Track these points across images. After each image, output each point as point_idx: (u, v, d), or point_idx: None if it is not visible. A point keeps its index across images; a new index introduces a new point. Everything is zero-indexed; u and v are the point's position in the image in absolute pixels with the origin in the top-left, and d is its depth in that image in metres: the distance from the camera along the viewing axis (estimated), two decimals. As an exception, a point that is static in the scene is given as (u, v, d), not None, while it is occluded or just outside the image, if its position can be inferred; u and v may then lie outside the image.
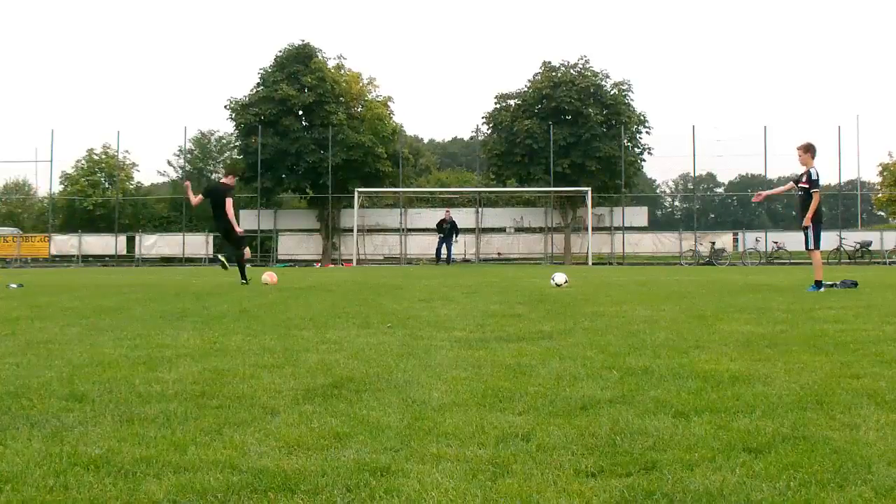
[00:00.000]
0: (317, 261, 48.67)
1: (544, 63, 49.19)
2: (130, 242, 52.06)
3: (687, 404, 4.46)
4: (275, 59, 50.24)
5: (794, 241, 46.40)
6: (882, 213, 57.63)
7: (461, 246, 47.95)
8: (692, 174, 53.84)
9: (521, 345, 7.12)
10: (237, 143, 52.28)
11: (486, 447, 3.63)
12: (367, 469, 3.29)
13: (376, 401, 4.65)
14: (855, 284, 16.02)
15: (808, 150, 14.91)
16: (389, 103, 52.10)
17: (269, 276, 19.03)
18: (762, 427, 3.94)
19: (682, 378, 5.28)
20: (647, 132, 49.05)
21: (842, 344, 6.94)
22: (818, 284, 14.51)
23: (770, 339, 7.35)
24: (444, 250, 41.29)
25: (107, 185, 56.31)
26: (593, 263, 42.96)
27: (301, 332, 8.20)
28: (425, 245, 48.08)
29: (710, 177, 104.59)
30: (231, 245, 19.77)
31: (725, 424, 4.00)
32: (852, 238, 43.76)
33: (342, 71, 51.45)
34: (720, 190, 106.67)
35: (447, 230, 41.26)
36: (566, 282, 16.16)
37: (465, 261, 47.25)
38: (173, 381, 5.37)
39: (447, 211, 43.17)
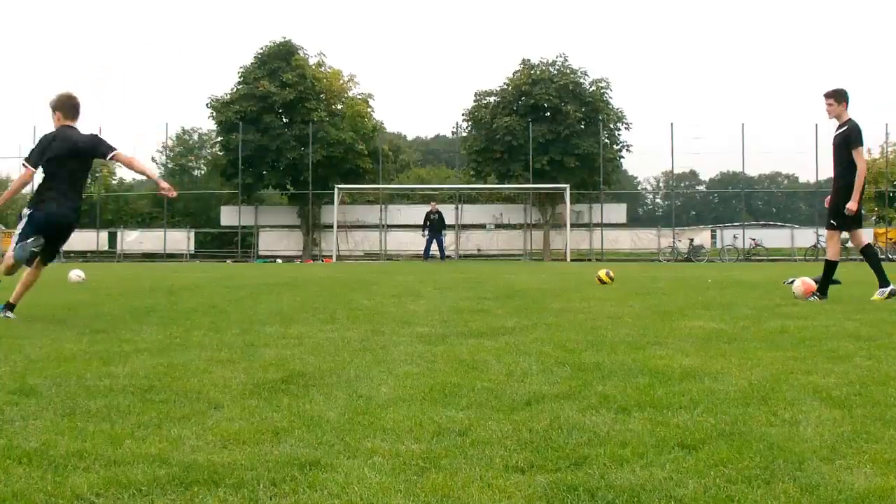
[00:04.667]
0: (298, 257, 48.63)
1: (523, 60, 49.26)
2: (112, 238, 51.89)
3: (631, 400, 4.47)
4: (256, 56, 50.13)
5: (771, 237, 46.70)
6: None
7: (441, 241, 48.04)
8: (673, 171, 54.00)
9: (481, 340, 7.12)
10: (218, 140, 52.15)
11: (420, 442, 3.63)
12: (297, 463, 3.28)
13: (322, 396, 4.65)
14: (833, 282, 15.74)
15: None
16: (370, 100, 52.09)
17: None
18: (701, 423, 3.95)
19: (633, 374, 5.29)
20: (625, 129, 49.19)
21: (800, 340, 6.96)
22: None
23: (730, 335, 7.37)
24: (434, 246, 40.77)
25: (89, 181, 56.11)
26: (572, 260, 43.01)
27: (264, 328, 8.18)
28: (406, 241, 48.13)
29: (692, 174, 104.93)
30: None
31: (665, 420, 4.01)
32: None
33: (323, 68, 51.38)
34: (702, 187, 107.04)
35: (435, 222, 40.80)
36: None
37: (446, 257, 47.26)
38: (124, 375, 5.35)
39: (433, 203, 42.87)
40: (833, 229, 11.73)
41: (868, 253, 11.80)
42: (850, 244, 11.89)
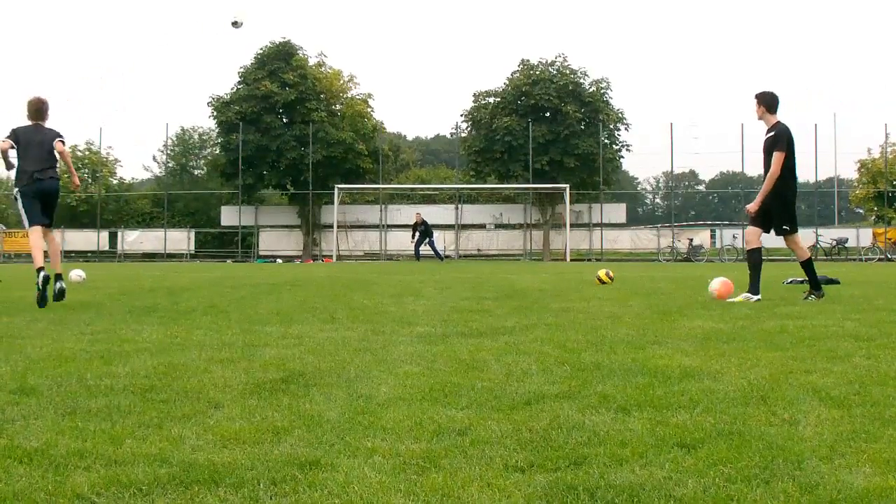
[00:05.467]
0: (298, 257, 48.69)
1: (522, 61, 49.32)
2: (113, 238, 52.00)
3: (630, 399, 4.47)
4: (256, 57, 50.21)
5: (770, 237, 46.62)
6: (860, 210, 57.89)
7: (440, 242, 48.10)
8: (672, 171, 54.06)
9: (481, 340, 7.12)
10: (219, 140, 52.29)
11: (420, 441, 3.63)
12: (297, 463, 3.28)
13: (322, 395, 4.65)
14: (832, 282, 15.79)
15: None
16: (370, 100, 52.15)
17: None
18: (700, 422, 3.95)
19: (632, 373, 5.29)
20: (625, 129, 49.28)
21: (799, 340, 6.96)
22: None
23: (729, 334, 7.38)
24: (424, 248, 41.14)
25: (90, 181, 56.13)
26: (572, 260, 43.05)
27: (264, 328, 8.18)
28: (405, 241, 48.25)
29: (692, 174, 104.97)
30: None
31: (664, 420, 4.01)
32: (829, 235, 43.96)
33: (323, 68, 51.45)
34: (701, 187, 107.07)
35: (422, 232, 41.26)
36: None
37: (446, 257, 47.37)
38: (125, 374, 5.35)
39: (417, 214, 43.27)
40: (787, 234, 11.49)
41: (752, 254, 11.63)
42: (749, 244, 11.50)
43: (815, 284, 11.42)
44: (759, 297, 11.09)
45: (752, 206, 11.35)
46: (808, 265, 11.48)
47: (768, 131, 11.42)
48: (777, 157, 11.17)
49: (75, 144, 56.58)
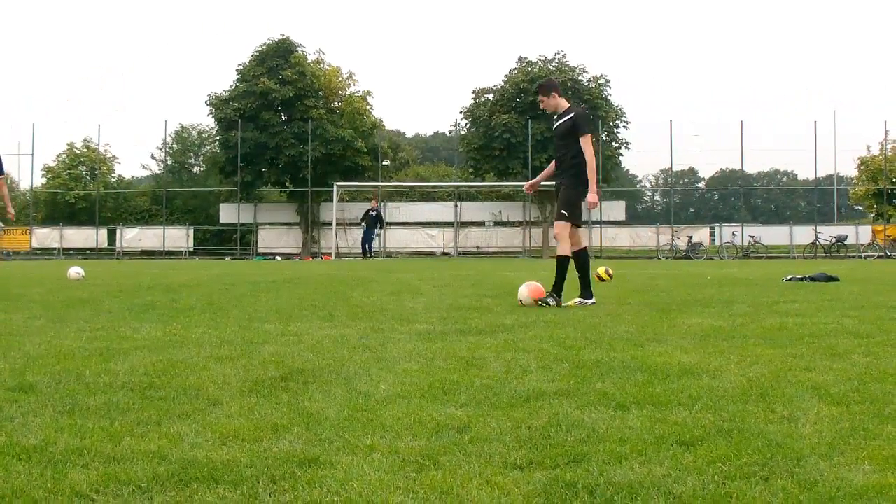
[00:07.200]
0: (297, 254, 48.71)
1: (520, 58, 49.37)
2: (111, 235, 51.97)
3: (630, 397, 4.47)
4: (255, 54, 50.20)
5: (770, 234, 46.71)
6: (860, 208, 57.91)
7: (439, 240, 48.17)
8: (671, 168, 54.09)
9: (480, 337, 7.12)
10: (217, 137, 52.29)
11: (419, 439, 3.63)
12: (296, 460, 3.28)
13: (321, 392, 4.65)
14: (832, 279, 15.76)
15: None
16: (369, 98, 52.14)
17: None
18: (700, 420, 3.94)
19: (632, 371, 5.29)
20: (624, 127, 49.31)
21: (799, 337, 6.96)
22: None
23: (728, 332, 7.37)
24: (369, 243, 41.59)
25: (88, 179, 56.10)
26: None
27: (263, 325, 8.18)
28: (404, 239, 48.31)
29: (691, 171, 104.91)
30: None
31: (663, 417, 4.00)
32: (828, 232, 43.99)
33: (322, 65, 51.43)
34: (701, 185, 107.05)
35: (371, 218, 41.50)
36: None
37: (445, 254, 47.38)
38: (124, 372, 5.34)
39: (374, 200, 43.46)
40: (565, 220, 10.71)
41: (579, 257, 10.87)
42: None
43: (558, 287, 10.60)
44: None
45: (593, 197, 10.66)
46: (562, 263, 10.71)
47: (563, 115, 10.84)
48: (586, 140, 10.61)
49: (72, 142, 56.56)
